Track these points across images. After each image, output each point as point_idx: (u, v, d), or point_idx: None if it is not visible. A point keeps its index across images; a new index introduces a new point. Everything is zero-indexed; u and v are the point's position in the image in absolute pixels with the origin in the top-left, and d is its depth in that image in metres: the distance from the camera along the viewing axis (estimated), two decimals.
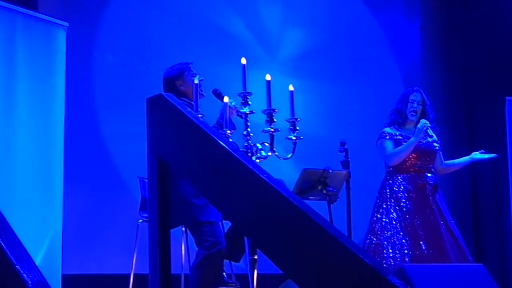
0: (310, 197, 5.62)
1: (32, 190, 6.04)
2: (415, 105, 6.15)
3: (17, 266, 1.82)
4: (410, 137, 6.03)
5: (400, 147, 6.04)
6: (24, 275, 1.81)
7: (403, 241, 5.82)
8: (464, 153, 6.44)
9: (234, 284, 5.54)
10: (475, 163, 6.42)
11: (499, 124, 8.35)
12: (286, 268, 2.41)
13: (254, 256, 4.61)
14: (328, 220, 5.39)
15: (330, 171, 5.60)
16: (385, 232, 5.91)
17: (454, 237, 5.94)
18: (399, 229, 5.87)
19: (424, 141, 6.09)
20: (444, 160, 6.30)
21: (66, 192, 6.36)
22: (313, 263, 2.28)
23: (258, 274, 4.67)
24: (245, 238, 4.79)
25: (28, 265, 1.84)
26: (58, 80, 6.31)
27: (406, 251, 5.78)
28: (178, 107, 2.75)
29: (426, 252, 5.76)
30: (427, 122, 5.99)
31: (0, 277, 1.90)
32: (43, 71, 6.26)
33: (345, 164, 5.90)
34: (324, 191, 5.59)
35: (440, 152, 6.24)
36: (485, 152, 6.24)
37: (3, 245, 1.89)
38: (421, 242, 5.80)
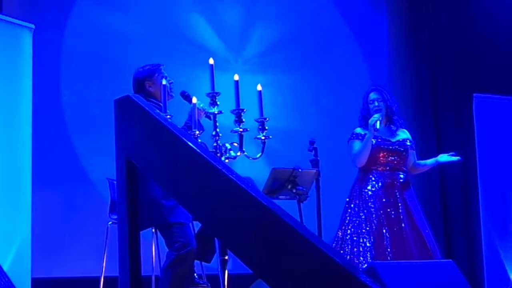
0: (280, 197, 5.62)
1: (0, 193, 5.98)
2: (376, 103, 6.21)
3: None
4: (380, 137, 6.08)
5: (358, 147, 6.09)
6: None
7: (367, 243, 5.87)
8: (432, 151, 6.50)
9: (205, 285, 5.53)
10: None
11: (466, 121, 8.41)
12: (256, 268, 2.40)
13: (224, 256, 4.60)
14: (298, 219, 5.41)
15: (300, 170, 5.61)
16: (351, 230, 5.97)
17: (421, 236, 5.98)
18: (364, 229, 5.92)
19: (394, 140, 6.13)
20: (416, 161, 6.33)
21: (35, 195, 6.31)
22: (284, 262, 2.28)
23: (228, 274, 4.66)
24: (215, 238, 4.77)
25: None
26: (25, 82, 6.25)
27: (368, 252, 5.82)
28: (146, 108, 2.74)
29: (390, 250, 5.81)
30: (376, 116, 6.02)
31: None
32: (9, 73, 6.20)
33: (315, 163, 5.92)
34: (294, 190, 5.60)
35: (413, 151, 6.28)
36: (454, 155, 6.28)
37: None
38: (385, 242, 5.85)
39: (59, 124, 7.12)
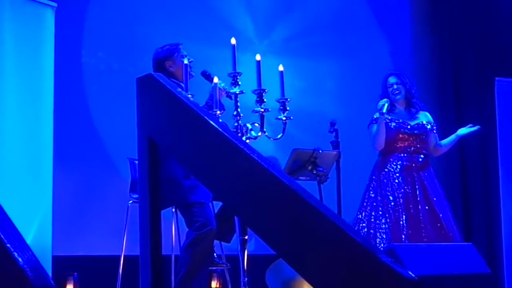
0: (300, 178, 5.62)
1: (22, 171, 6.02)
2: (395, 86, 6.24)
3: (8, 245, 1.82)
4: (399, 120, 6.09)
5: (373, 130, 6.14)
6: (15, 253, 1.81)
7: (383, 225, 5.88)
8: (452, 131, 6.46)
9: (224, 265, 5.55)
10: (463, 142, 6.44)
11: (488, 105, 8.36)
12: (277, 247, 2.41)
13: (244, 236, 4.61)
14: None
15: (320, 151, 5.61)
16: (368, 212, 5.99)
17: (437, 218, 5.97)
18: (380, 211, 5.93)
19: (412, 123, 6.13)
20: (437, 143, 6.32)
21: (56, 174, 6.34)
22: (304, 242, 2.28)
23: (248, 255, 4.67)
24: (235, 218, 4.78)
25: (19, 244, 1.84)
26: (47, 60, 6.27)
27: (384, 234, 5.83)
28: (168, 87, 2.74)
29: (405, 232, 5.82)
30: (384, 101, 6.03)
31: None
32: (32, 52, 6.21)
33: (335, 145, 5.91)
34: (314, 172, 5.60)
35: (435, 134, 6.27)
36: (473, 126, 6.28)
37: None
38: (401, 224, 5.85)
39: (81, 102, 7.14)
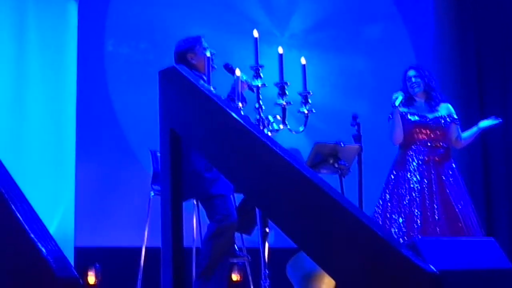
0: (322, 171, 5.61)
1: (45, 163, 6.06)
2: (413, 80, 6.23)
3: (32, 236, 1.83)
4: (417, 113, 6.09)
5: (390, 125, 6.15)
6: (39, 244, 1.82)
7: (400, 219, 5.89)
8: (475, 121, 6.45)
9: (245, 257, 5.56)
10: (486, 135, 6.42)
11: (510, 98, 8.33)
12: (298, 240, 2.41)
13: (265, 229, 4.62)
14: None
15: (342, 144, 5.59)
16: (384, 206, 6.02)
17: (453, 211, 5.97)
18: (396, 206, 5.95)
19: (431, 116, 6.12)
20: (459, 136, 6.29)
21: (78, 165, 6.38)
22: (326, 235, 2.28)
23: (269, 248, 4.68)
24: (257, 210, 4.79)
25: (43, 235, 1.85)
26: (70, 52, 6.30)
27: (399, 229, 5.85)
28: (191, 79, 2.75)
29: (420, 226, 5.83)
30: (397, 94, 6.03)
31: (16, 246, 1.91)
32: (55, 43, 6.25)
33: (357, 138, 5.90)
34: (336, 165, 5.59)
35: (456, 126, 6.24)
36: (495, 118, 6.27)
37: (18, 215, 1.90)
38: (415, 219, 5.86)
39: (103, 94, 7.16)
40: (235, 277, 6.83)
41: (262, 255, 4.65)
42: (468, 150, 6.71)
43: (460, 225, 5.95)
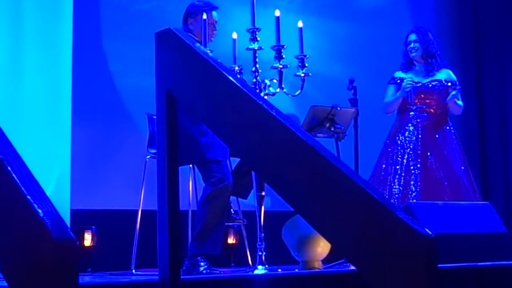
0: (318, 134, 5.61)
1: (41, 125, 6.05)
2: (412, 45, 6.29)
3: (29, 197, 1.83)
4: (411, 78, 6.10)
5: (388, 99, 6.28)
6: (35, 205, 1.82)
7: (396, 185, 5.95)
8: (471, 92, 6.45)
9: (241, 220, 5.58)
10: (483, 101, 6.43)
11: (508, 63, 8.32)
12: (294, 203, 2.42)
13: (261, 192, 4.63)
14: None
15: (338, 108, 5.59)
16: (380, 171, 6.07)
17: (455, 174, 6.01)
18: (393, 171, 6.00)
19: (425, 81, 6.16)
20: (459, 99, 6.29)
21: (74, 128, 6.36)
22: (321, 198, 2.29)
23: (265, 211, 4.69)
24: (252, 174, 4.80)
25: (40, 196, 1.85)
26: (66, 14, 6.27)
27: (396, 194, 5.91)
28: (187, 41, 2.74)
29: (419, 190, 5.88)
30: (410, 80, 6.04)
31: (12, 207, 1.91)
32: (50, 7, 6.21)
33: (353, 102, 5.89)
34: (332, 129, 5.58)
35: (456, 91, 6.23)
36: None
37: (15, 177, 1.90)
38: (413, 183, 5.92)
39: (99, 57, 7.13)
40: (231, 240, 6.85)
41: (258, 219, 4.67)
42: (465, 115, 6.71)
43: (460, 189, 5.99)
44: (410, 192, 5.91)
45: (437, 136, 6.11)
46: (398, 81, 6.24)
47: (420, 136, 6.07)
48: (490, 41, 8.91)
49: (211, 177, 4.95)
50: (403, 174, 5.97)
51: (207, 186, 4.97)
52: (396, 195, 5.94)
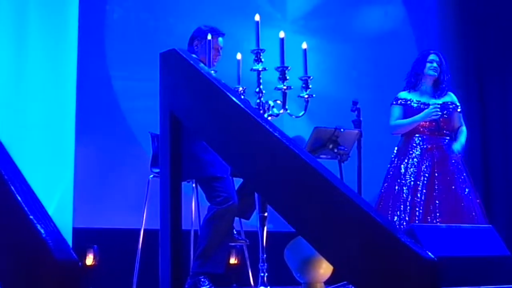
0: (321, 156, 5.61)
1: (44, 144, 6.06)
2: (435, 64, 6.22)
3: (31, 217, 1.83)
4: (420, 100, 6.08)
5: (403, 121, 6.16)
6: (38, 225, 1.82)
7: (401, 207, 5.92)
8: (475, 114, 6.45)
9: (243, 241, 5.57)
10: (486, 125, 6.40)
11: (510, 89, 8.36)
12: (296, 224, 2.41)
13: (264, 213, 4.62)
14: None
15: (342, 130, 5.59)
16: (386, 196, 6.03)
17: (459, 199, 5.99)
18: (398, 195, 5.96)
19: (432, 102, 6.12)
20: (462, 125, 6.28)
21: (78, 146, 6.38)
22: (324, 220, 2.28)
23: (267, 232, 4.69)
24: (255, 195, 4.79)
25: (42, 216, 1.85)
26: (71, 35, 6.30)
27: (403, 220, 5.87)
28: (191, 62, 2.74)
29: (422, 216, 5.85)
30: (438, 107, 6.02)
31: (14, 227, 1.91)
32: (55, 24, 6.24)
33: (357, 123, 5.89)
34: (335, 150, 5.58)
35: (459, 114, 6.24)
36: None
37: (17, 196, 1.90)
38: (418, 209, 5.89)
39: (103, 76, 7.14)
40: (233, 260, 6.84)
41: (260, 239, 4.65)
42: (468, 139, 6.72)
43: (464, 212, 5.97)
44: (430, 215, 5.87)
45: (445, 159, 6.09)
46: (403, 102, 6.21)
47: (429, 159, 6.04)
48: (493, 69, 8.93)
49: (216, 196, 4.96)
50: (409, 197, 5.93)
51: (212, 205, 4.97)
52: (403, 217, 5.89)
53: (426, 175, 5.99)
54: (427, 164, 6.02)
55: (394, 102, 6.25)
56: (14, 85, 6.01)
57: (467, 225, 5.63)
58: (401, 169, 6.05)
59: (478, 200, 6.12)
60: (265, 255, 4.66)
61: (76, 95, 6.30)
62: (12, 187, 1.93)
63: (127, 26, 7.36)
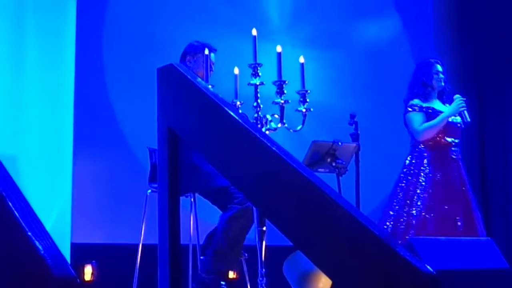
0: (319, 169, 5.62)
1: (42, 159, 6.06)
2: (441, 76, 6.16)
3: (29, 233, 1.83)
4: (433, 109, 6.03)
5: (432, 122, 6.00)
6: (36, 242, 1.82)
7: (412, 221, 5.88)
8: (473, 130, 6.44)
9: (242, 255, 5.56)
10: (484, 133, 6.38)
11: (509, 96, 8.36)
12: (295, 239, 2.41)
13: (262, 227, 4.62)
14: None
15: (340, 143, 5.59)
16: (397, 208, 5.98)
17: (471, 212, 5.99)
18: (408, 209, 5.93)
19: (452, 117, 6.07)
20: None
21: (76, 162, 6.38)
22: (322, 234, 2.28)
23: (266, 246, 4.68)
24: (254, 209, 4.79)
25: (40, 232, 1.85)
26: (68, 49, 6.31)
27: (411, 231, 5.85)
28: (189, 77, 2.75)
29: (433, 230, 5.83)
30: (463, 100, 5.98)
31: (13, 243, 1.91)
32: (53, 40, 6.26)
33: (355, 137, 5.90)
34: (333, 164, 5.59)
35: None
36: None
37: (15, 212, 1.89)
38: (428, 224, 5.86)
39: (101, 92, 7.15)
40: (231, 274, 6.82)
41: (259, 253, 4.64)
42: (466, 148, 6.71)
43: (475, 227, 5.98)
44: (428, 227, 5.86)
45: (463, 170, 6.09)
46: (418, 108, 6.05)
47: (456, 170, 6.02)
48: (491, 79, 8.94)
49: (235, 198, 5.00)
50: (418, 213, 5.89)
51: (233, 205, 4.99)
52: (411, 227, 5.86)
53: (456, 185, 5.96)
54: (455, 175, 6.00)
55: (411, 109, 6.07)
56: (12, 101, 6.02)
57: (466, 237, 5.64)
58: (410, 184, 5.96)
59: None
60: (263, 270, 4.65)
61: (74, 108, 6.31)
62: (10, 204, 1.93)
63: (125, 40, 7.36)
